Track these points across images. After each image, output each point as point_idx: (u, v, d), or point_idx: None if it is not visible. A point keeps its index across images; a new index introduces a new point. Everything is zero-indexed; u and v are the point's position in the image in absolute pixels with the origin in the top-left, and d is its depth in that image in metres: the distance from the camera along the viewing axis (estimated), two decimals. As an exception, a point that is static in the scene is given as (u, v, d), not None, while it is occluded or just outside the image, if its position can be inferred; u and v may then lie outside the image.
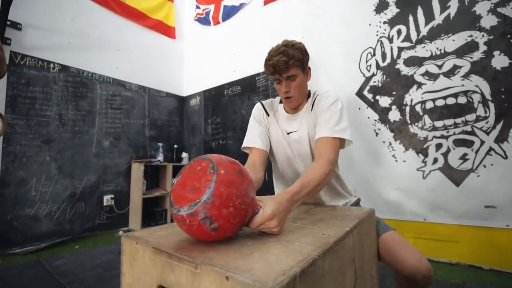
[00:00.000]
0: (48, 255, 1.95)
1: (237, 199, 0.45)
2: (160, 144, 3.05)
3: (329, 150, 0.84)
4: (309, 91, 1.04)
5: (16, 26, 2.14)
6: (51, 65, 2.35)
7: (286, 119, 1.02)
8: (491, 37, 1.53)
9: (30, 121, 2.18)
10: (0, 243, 1.94)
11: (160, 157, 2.98)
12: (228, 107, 2.98)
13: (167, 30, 3.44)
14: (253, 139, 1.00)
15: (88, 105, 2.57)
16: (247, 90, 2.79)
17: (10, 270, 1.66)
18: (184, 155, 3.28)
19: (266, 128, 1.04)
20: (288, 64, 0.87)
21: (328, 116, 0.90)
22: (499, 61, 1.50)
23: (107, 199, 2.62)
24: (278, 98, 1.07)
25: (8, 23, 2.07)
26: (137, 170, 2.74)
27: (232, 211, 0.44)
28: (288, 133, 1.01)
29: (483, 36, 1.55)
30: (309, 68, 0.98)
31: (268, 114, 1.05)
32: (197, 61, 3.50)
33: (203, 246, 0.46)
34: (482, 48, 1.55)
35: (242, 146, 1.03)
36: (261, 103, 1.08)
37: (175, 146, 3.31)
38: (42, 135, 2.24)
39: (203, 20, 3.35)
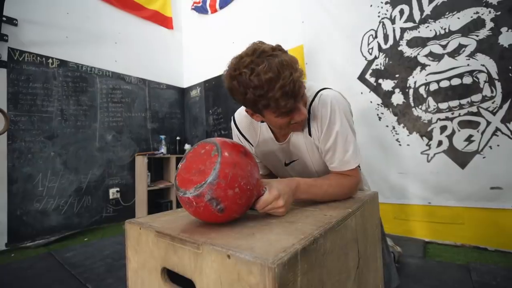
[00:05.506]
0: (58, 248, 2.00)
1: (242, 180, 0.45)
2: (163, 137, 3.05)
3: (351, 177, 0.75)
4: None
5: (12, 21, 2.11)
6: (50, 61, 2.33)
7: (281, 151, 0.87)
8: (498, 13, 1.46)
9: (32, 117, 2.19)
10: (12, 238, 1.99)
11: (163, 149, 2.99)
12: (228, 97, 2.91)
13: (164, 21, 3.38)
14: None
15: (89, 99, 2.57)
16: (248, 79, 2.75)
17: (24, 262, 1.71)
18: (187, 146, 3.29)
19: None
20: None
21: (331, 149, 0.74)
22: (506, 38, 1.45)
23: (113, 192, 2.65)
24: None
25: (4, 19, 2.05)
26: (141, 163, 2.76)
27: (238, 191, 0.44)
28: (287, 164, 0.90)
29: (490, 12, 1.49)
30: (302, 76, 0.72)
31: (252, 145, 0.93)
32: (196, 52, 3.45)
33: (205, 228, 0.46)
34: (489, 25, 1.49)
35: None
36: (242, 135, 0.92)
37: (178, 138, 3.31)
38: (45, 131, 2.26)
39: (200, 8, 3.28)
